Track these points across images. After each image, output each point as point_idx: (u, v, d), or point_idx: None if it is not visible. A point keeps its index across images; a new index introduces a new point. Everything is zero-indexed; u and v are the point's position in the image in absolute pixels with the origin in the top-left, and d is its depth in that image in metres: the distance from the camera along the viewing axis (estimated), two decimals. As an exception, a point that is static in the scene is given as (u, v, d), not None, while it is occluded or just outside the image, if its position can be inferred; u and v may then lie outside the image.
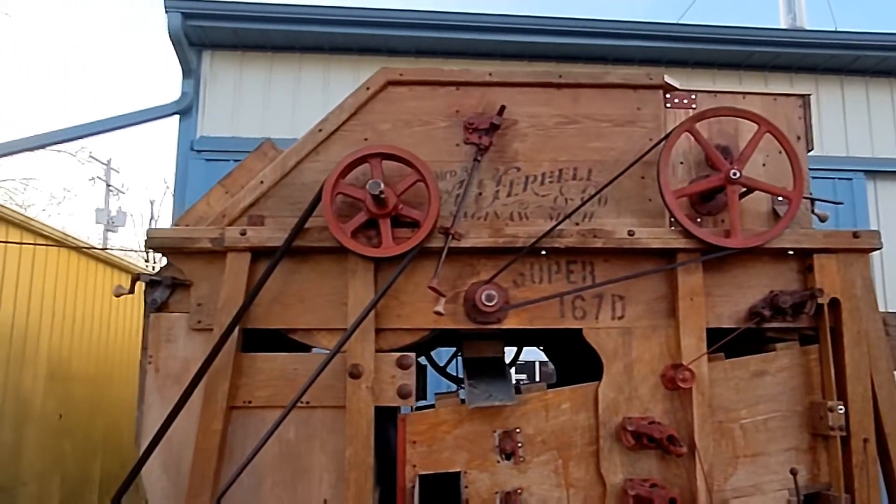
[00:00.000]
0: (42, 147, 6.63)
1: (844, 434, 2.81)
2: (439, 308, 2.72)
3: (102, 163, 21.45)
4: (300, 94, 6.39)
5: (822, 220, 3.15)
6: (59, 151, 23.20)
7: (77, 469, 9.56)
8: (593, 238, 2.85)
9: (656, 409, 2.86)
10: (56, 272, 9.32)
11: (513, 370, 5.23)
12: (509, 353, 4.50)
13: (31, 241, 9.05)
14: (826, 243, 2.92)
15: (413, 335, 2.91)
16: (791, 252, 2.93)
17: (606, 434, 2.84)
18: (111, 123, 6.54)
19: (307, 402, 2.84)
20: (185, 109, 6.32)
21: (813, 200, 3.10)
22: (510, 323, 2.88)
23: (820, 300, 2.86)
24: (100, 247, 8.97)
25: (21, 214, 9.47)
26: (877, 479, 2.85)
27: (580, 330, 2.90)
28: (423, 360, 4.38)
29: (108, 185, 21.19)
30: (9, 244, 8.73)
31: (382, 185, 2.66)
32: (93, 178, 21.48)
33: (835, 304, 2.90)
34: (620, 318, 2.90)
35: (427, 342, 3.55)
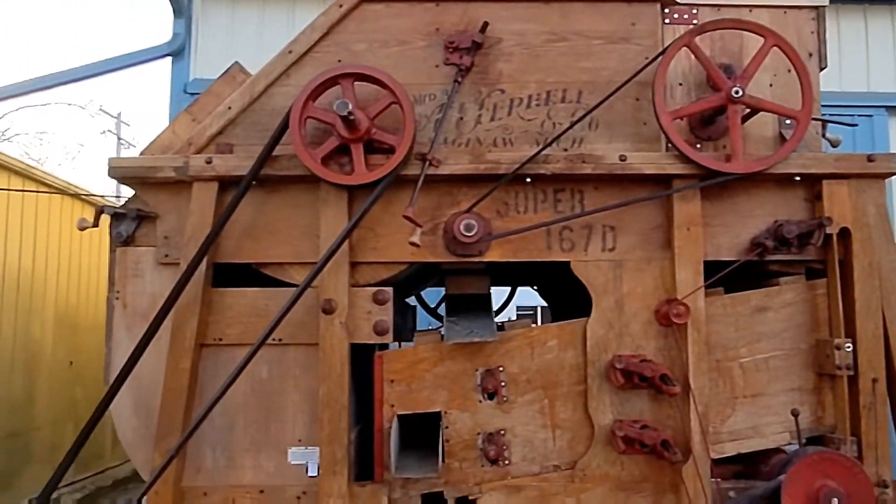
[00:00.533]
0: (34, 92, 6.48)
1: (852, 373, 2.62)
2: (415, 239, 2.55)
3: (113, 116, 21.36)
4: (295, 33, 6.15)
5: (835, 145, 2.92)
6: (69, 105, 23.17)
7: (89, 414, 9.64)
8: (582, 164, 2.65)
9: (649, 347, 2.69)
10: (60, 221, 9.24)
11: (514, 315, 5.09)
12: (503, 293, 4.35)
13: (34, 189, 8.96)
14: (837, 168, 2.69)
15: (390, 269, 2.74)
16: (798, 178, 2.71)
17: (595, 373, 2.68)
18: (103, 67, 6.37)
19: (279, 340, 2.70)
20: (178, 51, 6.11)
21: (824, 122, 2.86)
22: (493, 255, 2.70)
23: (828, 230, 2.65)
24: (98, 194, 8.87)
25: (21, 162, 9.36)
26: (885, 422, 2.67)
27: (569, 264, 2.73)
28: (412, 300, 4.24)
29: (119, 139, 21.13)
30: (11, 192, 8.65)
31: (351, 106, 2.47)
32: (104, 132, 21.42)
33: (845, 234, 2.68)
34: (611, 249, 2.71)
35: (415, 281, 3.40)
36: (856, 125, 2.97)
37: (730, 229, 2.72)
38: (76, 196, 8.77)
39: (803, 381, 2.71)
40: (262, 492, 2.68)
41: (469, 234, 2.58)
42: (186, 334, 2.67)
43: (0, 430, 9.65)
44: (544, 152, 2.63)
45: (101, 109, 21.18)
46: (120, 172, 2.75)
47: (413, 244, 2.55)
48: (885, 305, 2.69)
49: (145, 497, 2.59)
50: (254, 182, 2.68)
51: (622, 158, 2.64)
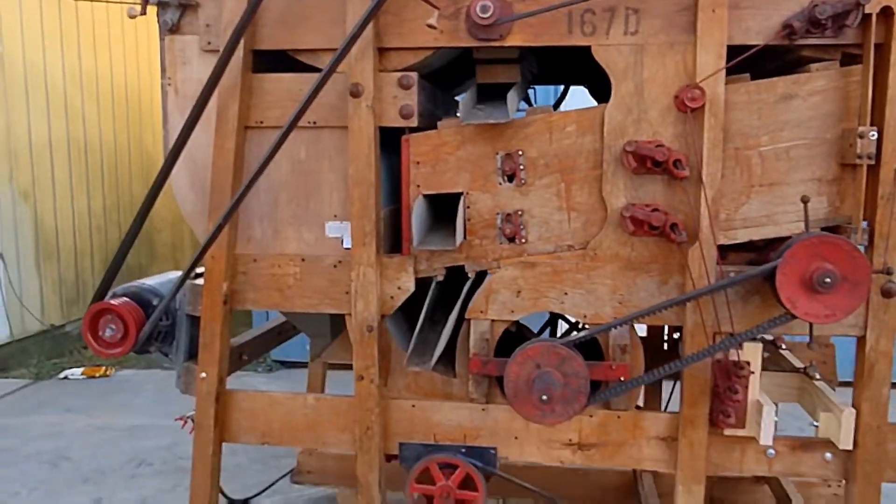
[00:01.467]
0: None
1: (873, 163, 2.58)
2: (432, 21, 2.61)
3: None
4: None
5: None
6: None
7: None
8: (604, -60, 2.57)
9: (666, 133, 2.71)
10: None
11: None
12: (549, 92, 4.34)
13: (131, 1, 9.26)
14: None
15: (416, 55, 2.83)
16: None
17: (611, 157, 2.75)
18: None
19: (314, 122, 2.90)
20: None
21: None
22: (514, 40, 2.73)
23: (867, 8, 2.50)
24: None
25: (117, -27, 9.61)
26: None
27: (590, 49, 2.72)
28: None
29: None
30: (111, 6, 9.01)
31: None
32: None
33: (887, 13, 2.52)
34: (634, 33, 2.67)
35: (455, 73, 3.47)
36: None
37: (760, 11, 2.61)
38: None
39: (824, 171, 2.68)
40: (303, 260, 3.01)
41: (485, 16, 2.61)
42: (229, 117, 2.91)
43: (126, 231, 10.72)
44: (566, -71, 2.56)
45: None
46: (159, -41, 2.89)
47: (430, 26, 2.61)
48: None
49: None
50: (284, -32, 2.77)
51: None
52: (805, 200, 2.54)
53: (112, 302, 3.07)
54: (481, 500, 2.96)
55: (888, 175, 2.57)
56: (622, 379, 2.82)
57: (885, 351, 2.67)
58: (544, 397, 2.63)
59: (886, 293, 2.60)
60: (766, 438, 2.70)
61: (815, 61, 2.67)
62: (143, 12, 2.98)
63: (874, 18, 2.51)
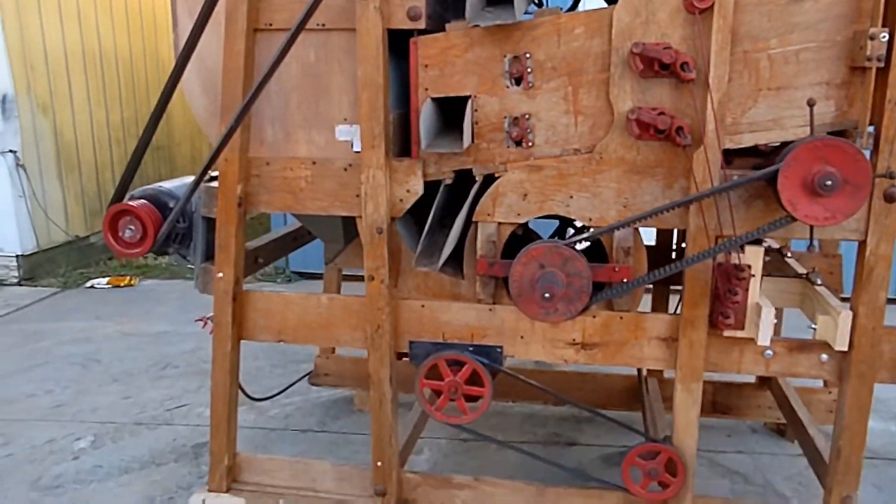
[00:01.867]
0: None
1: (882, 65, 2.55)
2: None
3: None
4: None
5: None
6: None
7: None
8: None
9: (674, 36, 2.69)
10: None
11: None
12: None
13: None
14: None
15: (421, -42, 2.81)
16: None
17: (618, 60, 2.74)
18: None
19: (323, 25, 2.91)
20: None
21: None
22: (523, -58, 2.70)
23: None
24: None
25: None
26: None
27: None
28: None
29: None
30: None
31: None
32: None
33: None
34: None
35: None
36: None
37: None
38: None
39: (832, 75, 2.66)
40: (314, 163, 3.07)
41: (493, -87, 2.57)
42: (238, 18, 2.92)
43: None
44: None
45: None
46: None
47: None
48: None
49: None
50: None
51: None
52: (811, 104, 2.54)
53: (130, 203, 3.16)
54: (487, 395, 3.09)
55: (897, 78, 2.55)
56: (625, 280, 2.89)
57: (885, 255, 2.71)
58: (547, 295, 2.72)
59: (889, 198, 2.62)
60: (763, 339, 2.78)
61: (833, -38, 2.61)
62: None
63: (892, -86, 2.44)
